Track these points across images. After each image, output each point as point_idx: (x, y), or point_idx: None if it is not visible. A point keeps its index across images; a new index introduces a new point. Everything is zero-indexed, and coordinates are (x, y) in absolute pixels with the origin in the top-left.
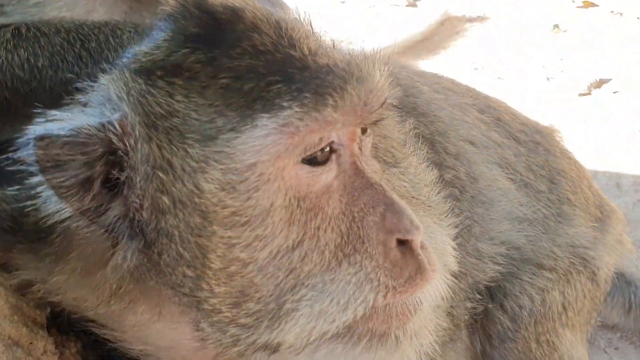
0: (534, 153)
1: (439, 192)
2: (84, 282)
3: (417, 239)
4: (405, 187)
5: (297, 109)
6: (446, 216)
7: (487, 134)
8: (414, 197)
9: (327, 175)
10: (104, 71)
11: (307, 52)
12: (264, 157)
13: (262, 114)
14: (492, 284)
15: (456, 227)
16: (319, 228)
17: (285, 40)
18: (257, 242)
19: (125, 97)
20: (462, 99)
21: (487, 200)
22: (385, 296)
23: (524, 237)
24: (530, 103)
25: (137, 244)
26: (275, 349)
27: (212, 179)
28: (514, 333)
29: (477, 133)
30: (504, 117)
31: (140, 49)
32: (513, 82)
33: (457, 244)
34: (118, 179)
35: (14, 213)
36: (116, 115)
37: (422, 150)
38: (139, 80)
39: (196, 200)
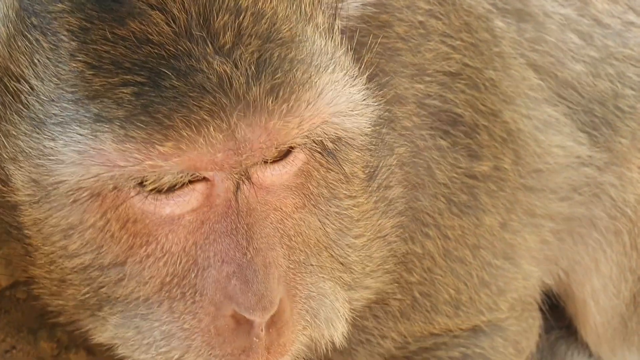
0: (624, 41)
1: (387, 244)
2: None
3: (258, 321)
4: (321, 232)
5: (119, 133)
6: (371, 277)
7: (562, 37)
8: (327, 249)
9: (176, 209)
10: None
11: (211, 50)
12: (73, 177)
13: (86, 125)
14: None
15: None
16: (148, 256)
17: (199, 26)
18: (62, 251)
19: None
20: None
21: (537, 182)
22: None
23: (582, 206)
24: None
25: None
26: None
27: (22, 174)
28: None
29: (541, 59)
30: None
31: None
32: None
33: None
34: None
35: None
36: None
37: (396, 189)
38: (14, 18)
39: (4, 187)
